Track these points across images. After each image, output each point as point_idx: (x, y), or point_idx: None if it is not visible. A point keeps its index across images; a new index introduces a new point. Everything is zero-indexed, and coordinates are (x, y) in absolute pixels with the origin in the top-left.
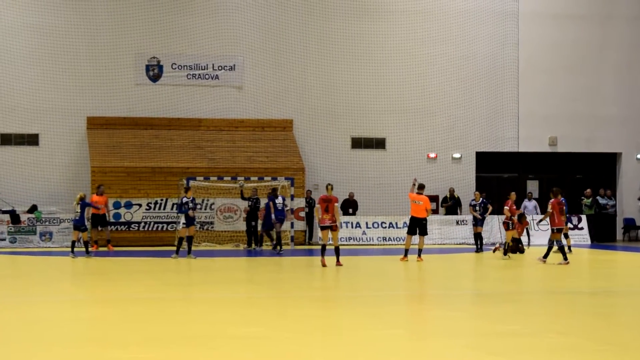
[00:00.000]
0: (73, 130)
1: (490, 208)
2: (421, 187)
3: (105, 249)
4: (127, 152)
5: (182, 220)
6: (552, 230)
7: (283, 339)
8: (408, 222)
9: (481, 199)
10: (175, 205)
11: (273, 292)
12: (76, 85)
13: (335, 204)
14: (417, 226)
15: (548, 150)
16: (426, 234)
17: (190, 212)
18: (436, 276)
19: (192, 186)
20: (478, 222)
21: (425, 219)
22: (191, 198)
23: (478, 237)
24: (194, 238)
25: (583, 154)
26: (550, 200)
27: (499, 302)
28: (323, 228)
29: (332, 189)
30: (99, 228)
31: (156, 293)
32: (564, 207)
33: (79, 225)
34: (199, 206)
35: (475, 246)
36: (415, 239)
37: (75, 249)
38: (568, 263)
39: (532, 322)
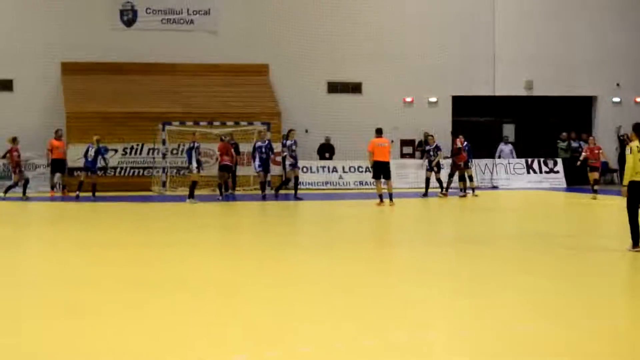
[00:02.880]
0: (47, 75)
1: (441, 154)
2: (379, 131)
3: (59, 193)
4: (101, 98)
5: (194, 164)
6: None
7: (260, 284)
8: (372, 168)
9: (435, 143)
10: (155, 151)
11: (249, 237)
12: (50, 30)
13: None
14: (382, 170)
15: (524, 94)
16: (390, 177)
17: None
18: (409, 220)
19: (168, 130)
20: (432, 167)
21: (389, 163)
22: (199, 143)
23: (428, 181)
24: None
25: (559, 97)
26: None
27: (472, 245)
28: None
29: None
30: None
31: (133, 238)
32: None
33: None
34: (174, 151)
35: (424, 190)
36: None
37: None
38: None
39: (505, 265)
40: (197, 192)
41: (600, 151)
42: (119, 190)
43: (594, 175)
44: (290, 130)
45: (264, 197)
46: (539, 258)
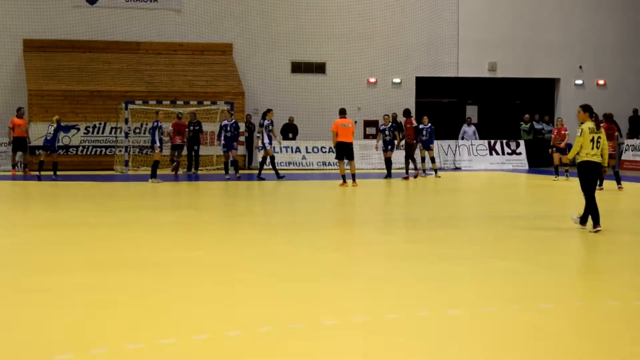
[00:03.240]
0: (9, 53)
1: (397, 134)
2: (343, 111)
3: (21, 172)
4: (64, 76)
5: (158, 144)
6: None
7: (221, 263)
8: (335, 148)
9: (390, 122)
10: (118, 130)
11: (211, 217)
12: (12, 7)
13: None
14: (345, 151)
15: (487, 75)
16: (353, 158)
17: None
18: (373, 201)
19: (131, 109)
20: (388, 147)
21: (352, 144)
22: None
23: (388, 162)
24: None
25: (522, 79)
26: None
27: (436, 227)
28: None
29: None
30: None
31: (96, 217)
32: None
33: (48, 146)
34: (137, 130)
35: (386, 171)
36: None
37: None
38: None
39: (470, 246)
40: (159, 172)
41: (566, 132)
42: (81, 170)
43: (562, 157)
44: (267, 110)
45: (227, 179)
46: (503, 239)
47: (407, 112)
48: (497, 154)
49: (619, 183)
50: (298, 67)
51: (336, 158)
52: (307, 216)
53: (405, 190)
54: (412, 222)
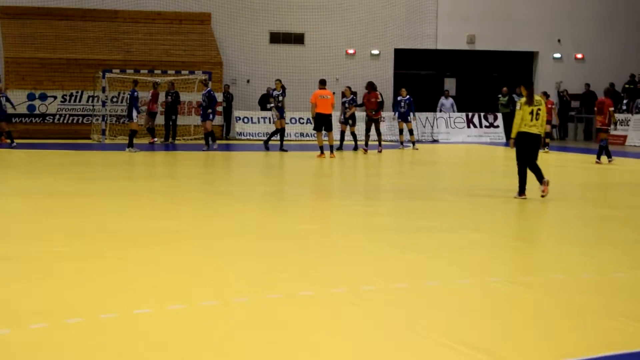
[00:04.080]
0: None
1: (354, 109)
2: (323, 82)
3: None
4: (41, 43)
5: (135, 113)
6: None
7: (198, 234)
8: (314, 119)
9: (351, 95)
10: (95, 99)
11: (189, 187)
12: None
13: None
14: (324, 123)
15: (466, 48)
16: (332, 129)
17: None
18: (351, 173)
19: (108, 78)
20: (348, 121)
21: (331, 115)
22: (281, 91)
23: (342, 135)
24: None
25: (500, 52)
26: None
27: (413, 199)
28: None
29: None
30: None
31: (72, 186)
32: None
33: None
34: (115, 99)
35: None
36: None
37: None
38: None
39: (447, 219)
40: (136, 141)
41: (552, 107)
42: (58, 138)
43: (546, 129)
44: (276, 80)
45: (205, 150)
46: (479, 211)
47: (371, 85)
48: (475, 126)
49: (609, 157)
50: (277, 38)
51: (314, 129)
52: (284, 187)
53: (383, 162)
54: (389, 193)
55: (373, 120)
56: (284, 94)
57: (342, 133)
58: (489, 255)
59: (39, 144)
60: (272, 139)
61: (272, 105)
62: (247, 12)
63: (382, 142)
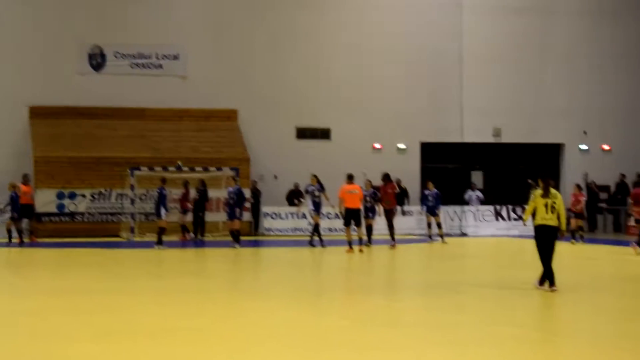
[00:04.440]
0: (15, 119)
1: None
2: (351, 177)
3: (27, 239)
4: (70, 142)
5: (163, 210)
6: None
7: (227, 332)
8: (343, 215)
9: (371, 189)
10: (124, 197)
11: (219, 285)
12: (18, 74)
13: None
14: (353, 217)
15: (492, 141)
16: (361, 224)
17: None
18: (380, 267)
19: (136, 176)
20: (369, 214)
21: (360, 210)
22: (317, 186)
23: (369, 229)
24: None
25: (526, 144)
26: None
27: (443, 293)
28: None
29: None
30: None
31: (101, 284)
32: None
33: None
34: (143, 197)
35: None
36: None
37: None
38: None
39: (478, 314)
40: (165, 238)
41: (584, 199)
42: (88, 236)
43: (578, 222)
44: (312, 175)
45: (234, 247)
46: (511, 306)
47: (386, 178)
48: (504, 219)
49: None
50: (303, 133)
51: (344, 225)
52: (313, 283)
53: (412, 256)
54: (418, 287)
55: (388, 212)
56: (321, 188)
57: (369, 227)
58: (529, 349)
59: (68, 243)
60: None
61: (305, 200)
62: (273, 108)
63: (411, 236)
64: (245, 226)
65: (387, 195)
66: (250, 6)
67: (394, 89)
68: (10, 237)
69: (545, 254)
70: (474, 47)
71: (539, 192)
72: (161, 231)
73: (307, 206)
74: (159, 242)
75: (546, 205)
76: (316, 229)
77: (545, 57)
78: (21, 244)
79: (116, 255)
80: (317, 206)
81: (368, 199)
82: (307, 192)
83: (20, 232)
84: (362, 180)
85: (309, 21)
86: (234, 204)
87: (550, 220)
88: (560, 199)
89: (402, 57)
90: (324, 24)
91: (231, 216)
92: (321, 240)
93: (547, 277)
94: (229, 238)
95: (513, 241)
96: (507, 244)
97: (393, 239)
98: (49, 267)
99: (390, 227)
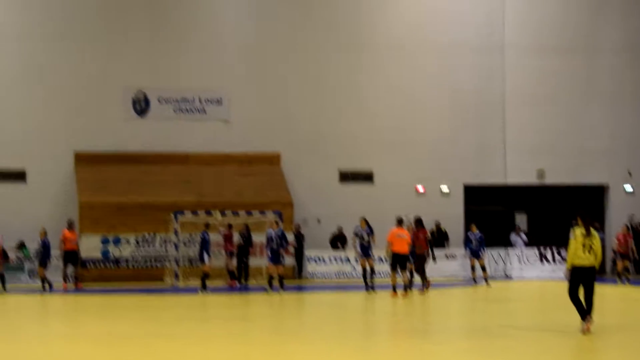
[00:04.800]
0: (60, 165)
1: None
2: (400, 221)
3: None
4: (114, 188)
5: (206, 255)
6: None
7: None
8: (390, 258)
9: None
10: (168, 242)
11: (263, 328)
12: (64, 121)
13: None
14: (399, 262)
15: (535, 182)
16: (406, 268)
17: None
18: (425, 310)
19: (180, 220)
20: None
21: (407, 254)
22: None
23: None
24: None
25: (571, 186)
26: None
27: (488, 337)
28: None
29: None
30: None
31: (146, 329)
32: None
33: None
34: (187, 242)
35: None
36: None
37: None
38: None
39: (522, 357)
40: (210, 283)
41: (631, 240)
42: (132, 282)
43: (624, 263)
44: (362, 218)
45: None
46: (558, 351)
47: (418, 223)
48: (548, 262)
49: None
50: (346, 177)
51: (391, 268)
52: (357, 326)
53: (456, 300)
54: (462, 331)
55: (420, 257)
56: (371, 232)
57: (411, 272)
58: None
59: (112, 289)
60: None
61: (356, 244)
62: (316, 151)
63: (455, 280)
64: (288, 270)
65: (419, 241)
66: (292, 50)
67: (436, 131)
68: (44, 285)
69: (585, 294)
70: (516, 88)
71: (579, 231)
72: (205, 276)
73: (355, 249)
74: (203, 287)
75: (584, 245)
76: (365, 273)
77: (588, 96)
78: (46, 289)
79: (160, 300)
80: (365, 250)
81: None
82: (355, 235)
83: (64, 278)
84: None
85: (351, 63)
86: (277, 247)
87: (586, 260)
88: (598, 239)
89: (445, 99)
90: (366, 66)
91: (274, 260)
92: (366, 284)
93: (587, 312)
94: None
95: (558, 284)
96: (551, 286)
97: (423, 284)
98: (94, 313)
99: (422, 272)
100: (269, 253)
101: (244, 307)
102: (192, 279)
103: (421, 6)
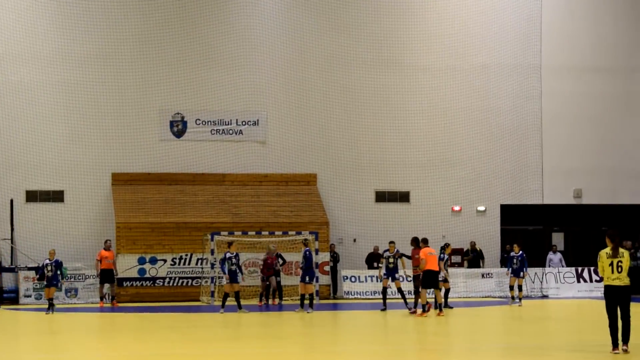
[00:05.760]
0: (98, 186)
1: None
2: (425, 240)
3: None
4: (151, 208)
5: (384, 271)
6: None
7: None
8: (421, 276)
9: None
10: (204, 261)
11: (298, 348)
12: (101, 141)
13: None
14: (431, 280)
15: (573, 202)
16: (438, 287)
17: (233, 267)
18: (461, 330)
19: (234, 241)
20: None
21: (438, 272)
22: (234, 253)
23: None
24: (240, 292)
25: (608, 205)
26: None
27: (525, 357)
28: None
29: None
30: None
31: (182, 349)
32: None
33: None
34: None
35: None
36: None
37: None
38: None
39: None
40: (244, 302)
41: None
42: (168, 301)
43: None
44: (390, 243)
45: (305, 306)
46: None
47: (415, 242)
48: (585, 281)
49: None
50: (382, 197)
51: (423, 287)
52: (393, 345)
53: (492, 319)
54: (498, 351)
55: (416, 278)
56: (400, 255)
57: (447, 291)
58: None
59: (149, 307)
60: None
61: (382, 266)
62: (352, 171)
63: (491, 299)
64: (324, 289)
65: (416, 261)
66: (328, 70)
67: (473, 151)
68: (50, 306)
69: (622, 315)
70: (553, 107)
71: (603, 252)
72: (225, 296)
73: (380, 271)
74: (222, 306)
75: (611, 265)
76: (385, 291)
77: (626, 115)
78: (51, 310)
79: (197, 319)
80: (390, 272)
81: (390, 260)
82: (383, 257)
83: (101, 297)
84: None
85: (388, 84)
86: (306, 266)
87: (616, 280)
88: (627, 257)
89: (482, 119)
90: (403, 86)
91: (305, 279)
92: (384, 304)
93: (623, 339)
94: (306, 301)
95: (595, 303)
96: (588, 306)
97: (415, 305)
98: (131, 332)
99: (417, 293)
100: (301, 272)
101: (278, 326)
102: (228, 298)
103: (459, 27)
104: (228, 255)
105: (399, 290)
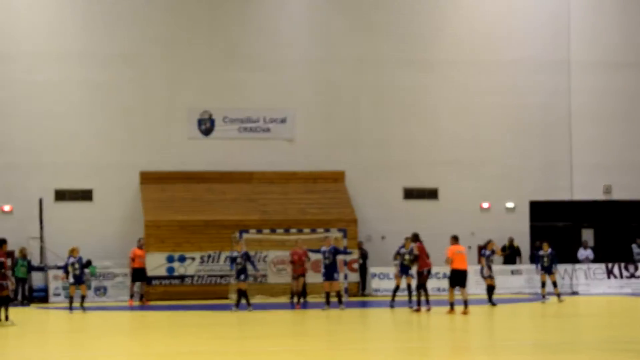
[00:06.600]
0: (126, 185)
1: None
2: (456, 238)
3: (138, 302)
4: (180, 206)
5: (323, 271)
6: None
7: None
8: (449, 275)
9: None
10: (227, 259)
11: (325, 345)
12: (129, 140)
13: None
14: (459, 278)
15: (602, 198)
16: (465, 285)
17: (238, 267)
18: (487, 328)
19: (245, 239)
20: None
21: (466, 271)
22: (242, 252)
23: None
24: (247, 291)
25: (638, 201)
26: None
27: (555, 354)
28: None
29: None
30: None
31: (211, 347)
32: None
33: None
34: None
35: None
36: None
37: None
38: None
39: None
40: (274, 300)
41: None
42: (197, 299)
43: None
44: (406, 239)
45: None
46: None
47: (415, 238)
48: (615, 277)
49: None
50: (410, 193)
51: (450, 285)
52: (420, 343)
53: (522, 316)
54: (529, 348)
55: (420, 275)
56: (412, 254)
57: (492, 288)
58: None
59: (178, 305)
60: (395, 295)
61: (397, 262)
62: (380, 169)
63: (522, 296)
64: (352, 287)
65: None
66: (356, 68)
67: (502, 147)
68: (72, 304)
69: None
70: (582, 103)
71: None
72: (239, 293)
73: (395, 267)
74: (236, 305)
75: None
76: (396, 289)
77: None
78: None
79: (225, 317)
80: (405, 269)
81: (405, 257)
82: (398, 254)
83: (131, 294)
84: (473, 240)
85: (416, 81)
86: (330, 264)
87: None
88: None
89: (511, 116)
90: (431, 83)
91: (329, 277)
92: (393, 301)
93: None
94: (335, 299)
95: (625, 299)
96: (619, 302)
97: (419, 302)
98: (161, 330)
99: (425, 289)
100: (323, 269)
101: (301, 324)
102: (257, 296)
103: (487, 24)
104: (235, 254)
105: (409, 286)
